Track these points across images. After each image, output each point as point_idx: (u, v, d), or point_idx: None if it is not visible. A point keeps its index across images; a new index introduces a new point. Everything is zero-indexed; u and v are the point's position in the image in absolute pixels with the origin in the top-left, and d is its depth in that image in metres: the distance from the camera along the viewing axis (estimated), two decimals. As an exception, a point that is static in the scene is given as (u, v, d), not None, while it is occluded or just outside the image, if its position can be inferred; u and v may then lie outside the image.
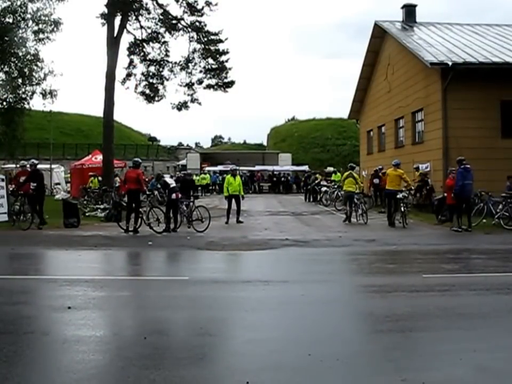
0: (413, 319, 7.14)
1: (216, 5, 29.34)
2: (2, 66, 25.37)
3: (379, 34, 32.38)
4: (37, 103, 32.23)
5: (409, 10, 32.25)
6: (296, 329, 6.79)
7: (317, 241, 15.19)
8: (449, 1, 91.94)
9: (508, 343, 6.17)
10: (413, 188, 21.79)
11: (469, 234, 16.95)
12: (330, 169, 44.87)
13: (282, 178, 51.82)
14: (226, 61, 31.07)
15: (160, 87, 31.62)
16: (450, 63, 22.94)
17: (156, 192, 23.30)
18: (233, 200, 21.03)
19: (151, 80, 31.45)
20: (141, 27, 30.18)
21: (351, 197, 20.90)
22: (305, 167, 50.74)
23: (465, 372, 5.27)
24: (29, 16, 25.20)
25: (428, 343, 6.18)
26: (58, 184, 40.76)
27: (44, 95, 26.19)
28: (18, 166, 26.00)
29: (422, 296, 8.48)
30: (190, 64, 31.04)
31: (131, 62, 30.98)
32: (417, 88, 26.66)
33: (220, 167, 49.10)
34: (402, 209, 18.76)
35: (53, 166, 40.46)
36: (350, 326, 7.11)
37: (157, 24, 30.31)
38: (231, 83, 31.84)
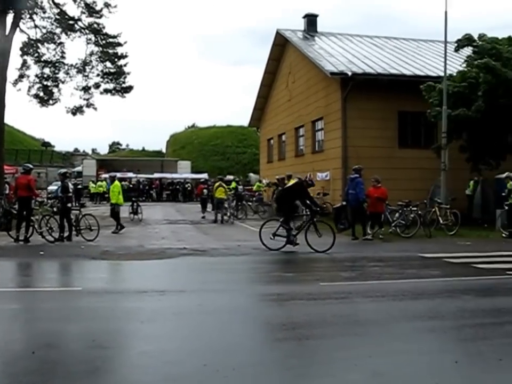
0: (310, 326, 7.01)
1: (115, 7, 28.70)
2: None
3: (281, 42, 32.46)
4: None
5: (311, 20, 32.45)
6: (192, 339, 6.51)
7: (215, 250, 14.79)
8: (350, 12, 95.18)
9: (402, 347, 6.14)
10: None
11: (367, 242, 17.05)
12: (230, 177, 44.57)
13: (177, 186, 51.22)
14: (125, 65, 30.49)
15: (55, 90, 30.47)
16: (350, 73, 23.19)
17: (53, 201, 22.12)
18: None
19: (45, 83, 30.22)
20: (36, 26, 28.84)
21: (221, 203, 24.93)
22: (205, 175, 50.20)
23: (360, 377, 5.21)
24: None
25: (324, 350, 6.11)
26: None
27: None
28: None
29: (319, 304, 8.38)
30: (87, 67, 30.11)
31: (24, 62, 29.65)
32: (318, 97, 26.82)
33: (118, 174, 47.60)
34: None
35: None
36: (248, 335, 6.85)
37: (52, 24, 29.12)
38: (129, 88, 31.17)
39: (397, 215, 18.60)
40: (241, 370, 5.35)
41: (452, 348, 6.25)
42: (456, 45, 22.05)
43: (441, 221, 19.06)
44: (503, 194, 19.14)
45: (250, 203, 29.25)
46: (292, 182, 16.22)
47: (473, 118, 19.77)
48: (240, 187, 31.71)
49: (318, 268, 12.41)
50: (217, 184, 25.68)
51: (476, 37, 21.85)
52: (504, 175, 18.80)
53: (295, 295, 8.90)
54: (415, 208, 18.56)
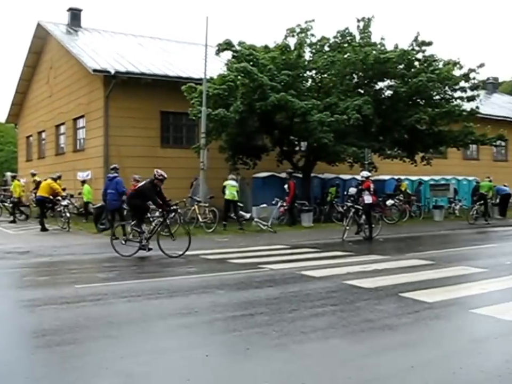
0: (61, 332, 6.57)
1: None
2: None
3: (42, 35, 30.78)
4: None
5: (75, 14, 31.04)
6: None
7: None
8: (114, 8, 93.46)
9: (156, 346, 6.02)
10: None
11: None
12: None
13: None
14: None
15: None
16: (113, 71, 22.81)
17: None
18: None
19: None
20: None
21: None
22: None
23: (111, 380, 5.08)
24: None
25: (75, 356, 5.75)
26: None
27: None
28: None
29: (72, 307, 7.92)
30: None
31: None
32: (80, 94, 25.99)
33: None
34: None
35: None
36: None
37: None
38: None
39: (157, 213, 18.55)
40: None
41: (204, 342, 6.26)
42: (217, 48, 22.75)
43: (200, 219, 19.45)
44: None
45: (6, 204, 27.28)
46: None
47: (232, 119, 20.55)
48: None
49: (75, 270, 11.80)
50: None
51: (235, 42, 22.73)
52: (363, 174, 19.32)
53: (47, 300, 8.33)
54: (175, 207, 18.64)
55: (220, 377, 5.15)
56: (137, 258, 13.26)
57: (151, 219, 14.73)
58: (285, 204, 21.21)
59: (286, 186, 21.61)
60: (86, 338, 6.35)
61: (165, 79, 24.02)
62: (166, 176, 14.08)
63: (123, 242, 13.81)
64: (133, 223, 14.17)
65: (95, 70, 23.03)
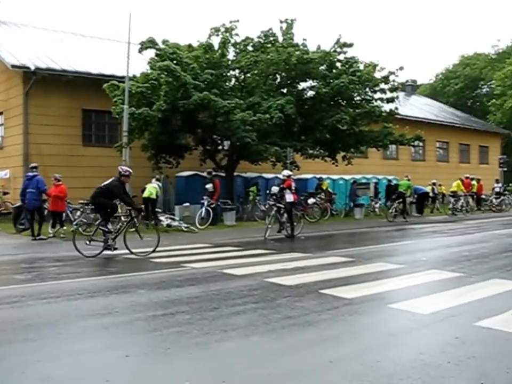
0: None
1: None
2: None
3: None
4: None
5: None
6: None
7: None
8: (34, 2, 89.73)
9: (74, 348, 5.94)
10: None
11: (48, 242, 16.61)
12: None
13: None
14: None
15: None
16: (33, 68, 22.25)
17: None
18: None
19: None
20: None
21: None
22: None
23: None
24: None
25: None
26: None
27: None
28: None
29: None
30: None
31: None
32: (-2, 90, 25.16)
33: None
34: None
35: None
36: None
37: None
38: None
39: (78, 213, 18.41)
40: None
41: (125, 342, 6.25)
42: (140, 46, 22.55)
43: (122, 218, 19.17)
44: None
45: None
46: None
47: (155, 118, 20.46)
48: None
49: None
50: None
51: (159, 41, 22.62)
52: (284, 173, 19.34)
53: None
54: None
55: (140, 378, 5.15)
56: (58, 259, 13.05)
57: (119, 218, 14.61)
58: (212, 202, 21.25)
59: (209, 185, 21.61)
60: (1, 342, 6.18)
61: (87, 76, 23.61)
62: (131, 171, 13.95)
63: (87, 242, 13.36)
64: (98, 222, 13.89)
65: (14, 66, 22.37)
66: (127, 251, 13.23)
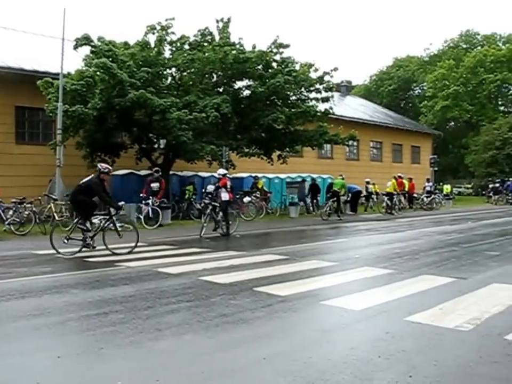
0: None
1: None
2: None
3: None
4: None
5: None
6: None
7: None
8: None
9: (3, 350, 5.84)
10: None
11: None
12: None
13: None
14: None
15: None
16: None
17: None
18: None
19: None
20: None
21: None
22: None
23: None
24: None
25: None
26: None
27: None
28: None
29: None
30: None
31: None
32: None
33: None
34: None
35: None
36: None
37: None
38: None
39: (10, 212, 18.07)
40: None
41: (57, 343, 6.21)
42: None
43: (56, 217, 18.98)
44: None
45: None
46: None
47: (90, 116, 20.24)
48: None
49: None
50: None
51: (95, 38, 22.33)
52: (220, 172, 19.26)
53: None
54: (29, 205, 18.27)
55: (72, 379, 5.13)
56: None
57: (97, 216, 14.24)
58: (157, 201, 21.08)
59: (155, 185, 21.35)
60: None
61: (20, 73, 23.07)
62: (111, 168, 13.83)
63: (65, 241, 13.10)
64: (76, 220, 13.64)
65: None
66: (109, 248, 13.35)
